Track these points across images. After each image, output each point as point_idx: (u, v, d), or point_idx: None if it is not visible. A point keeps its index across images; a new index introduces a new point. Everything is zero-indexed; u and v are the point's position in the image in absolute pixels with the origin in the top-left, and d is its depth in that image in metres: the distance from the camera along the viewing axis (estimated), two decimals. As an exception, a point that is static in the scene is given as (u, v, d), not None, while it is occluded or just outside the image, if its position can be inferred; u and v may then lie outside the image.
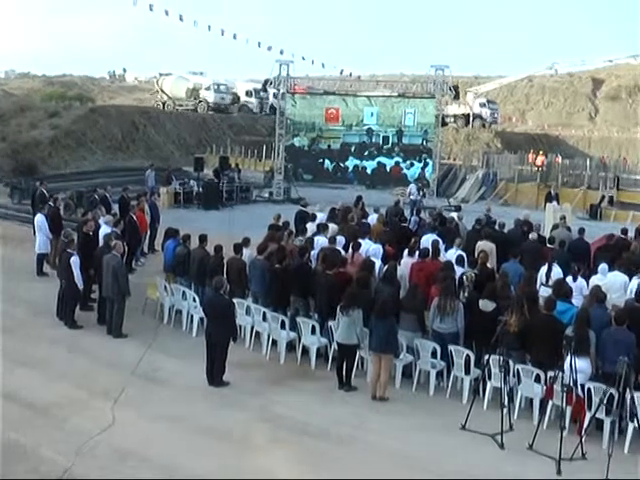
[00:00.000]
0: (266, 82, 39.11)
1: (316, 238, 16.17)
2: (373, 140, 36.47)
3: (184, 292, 14.94)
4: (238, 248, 14.86)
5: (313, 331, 13.05)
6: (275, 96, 44.17)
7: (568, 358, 10.04)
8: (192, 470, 9.27)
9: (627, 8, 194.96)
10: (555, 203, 26.31)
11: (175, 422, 10.59)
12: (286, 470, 9.45)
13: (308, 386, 12.29)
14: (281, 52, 42.08)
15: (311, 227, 17.53)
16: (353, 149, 36.69)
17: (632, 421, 10.12)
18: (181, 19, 43.07)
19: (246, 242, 15.32)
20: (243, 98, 60.77)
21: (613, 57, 60.01)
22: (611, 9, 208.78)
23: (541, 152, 46.92)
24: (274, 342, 13.52)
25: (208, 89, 57.76)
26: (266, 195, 36.58)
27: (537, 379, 11.04)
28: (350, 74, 55.04)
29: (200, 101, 57.38)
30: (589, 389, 10.52)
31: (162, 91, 59.01)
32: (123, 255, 15.40)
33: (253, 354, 13.65)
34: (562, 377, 10.06)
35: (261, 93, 58.54)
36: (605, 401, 10.09)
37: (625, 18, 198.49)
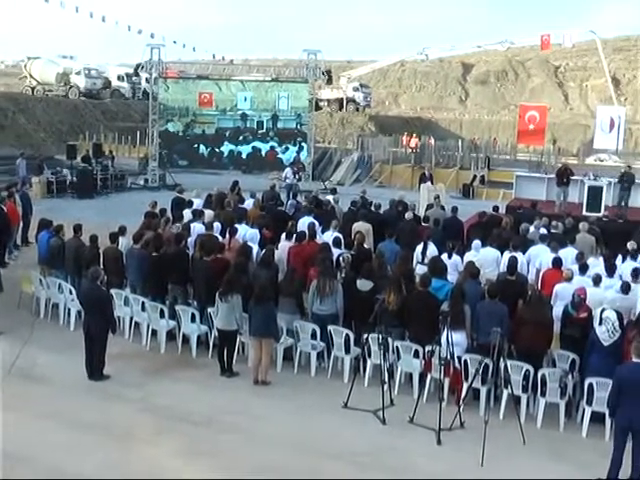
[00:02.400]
0: (138, 66, 38.19)
1: (193, 225, 15.96)
2: (248, 125, 36.30)
3: (60, 285, 14.47)
4: (114, 237, 14.54)
5: (193, 319, 12.91)
6: (147, 81, 43.34)
7: (444, 332, 10.32)
8: (79, 469, 9.00)
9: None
10: (429, 183, 26.82)
11: (57, 419, 10.25)
12: (172, 460, 9.32)
13: (190, 374, 12.14)
14: (152, 36, 41.44)
15: (187, 214, 17.29)
16: (228, 134, 36.41)
17: (506, 388, 10.52)
18: (47, 0, 41.50)
19: (122, 231, 15.01)
20: (115, 83, 59.39)
21: (482, 43, 61.53)
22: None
23: (414, 134, 47.81)
24: (154, 332, 13.28)
25: (79, 74, 56.02)
26: (141, 182, 35.82)
27: (416, 354, 11.28)
28: (222, 58, 54.63)
29: (71, 86, 55.64)
30: (465, 361, 10.85)
31: (31, 76, 56.75)
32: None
33: (133, 345, 13.38)
34: (439, 351, 10.34)
35: (133, 78, 57.49)
36: (481, 371, 10.41)
37: (494, 4, 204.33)
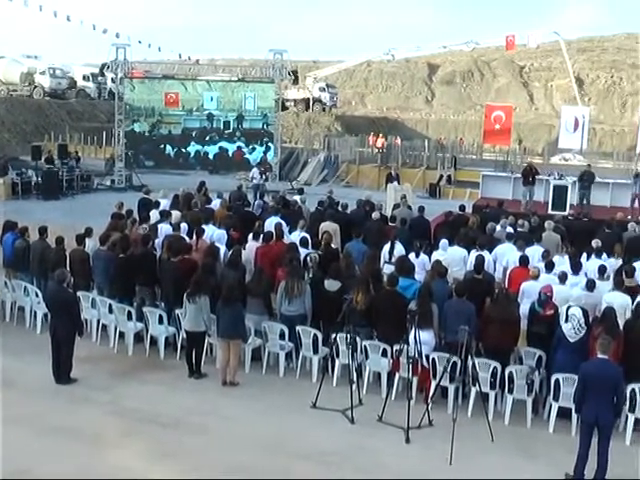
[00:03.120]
0: (103, 66, 38.04)
1: (160, 226, 15.88)
2: (214, 125, 36.19)
3: (26, 287, 14.31)
4: (80, 239, 14.40)
5: (160, 320, 12.83)
6: (113, 81, 42.89)
7: (412, 331, 10.35)
8: (48, 474, 8.88)
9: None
10: (396, 183, 26.90)
11: (24, 424, 10.11)
12: (140, 463, 9.25)
13: (158, 376, 12.07)
14: (117, 35, 41.08)
15: (154, 214, 17.18)
16: (194, 134, 36.28)
17: (474, 385, 10.60)
18: (10, -1, 41.07)
19: (88, 232, 14.84)
20: (80, 83, 58.94)
21: (447, 43, 61.73)
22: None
23: (381, 134, 48.01)
24: (121, 334, 13.18)
25: (43, 73, 55.34)
26: (108, 183, 35.57)
27: (384, 353, 11.32)
28: (188, 58, 54.38)
29: (35, 86, 54.97)
30: (433, 359, 10.90)
31: (-6, 76, 56.18)
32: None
33: (100, 348, 13.27)
34: (407, 350, 10.37)
35: (99, 78, 56.90)
36: (449, 369, 10.49)
37: (459, 5, 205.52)
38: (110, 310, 13.22)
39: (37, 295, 13.96)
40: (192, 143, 36.29)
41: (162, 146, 36.34)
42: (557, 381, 10.32)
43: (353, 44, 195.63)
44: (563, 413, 10.39)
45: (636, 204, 25.55)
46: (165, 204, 18.40)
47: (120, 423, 10.34)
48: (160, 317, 12.83)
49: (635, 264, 13.29)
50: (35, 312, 14.09)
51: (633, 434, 10.27)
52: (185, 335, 12.23)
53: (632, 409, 10.15)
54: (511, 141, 46.80)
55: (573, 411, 9.86)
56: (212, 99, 36.14)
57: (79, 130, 48.38)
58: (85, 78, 59.03)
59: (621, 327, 10.73)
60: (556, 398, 10.40)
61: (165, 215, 16.60)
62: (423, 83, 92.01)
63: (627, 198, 25.74)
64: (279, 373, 12.17)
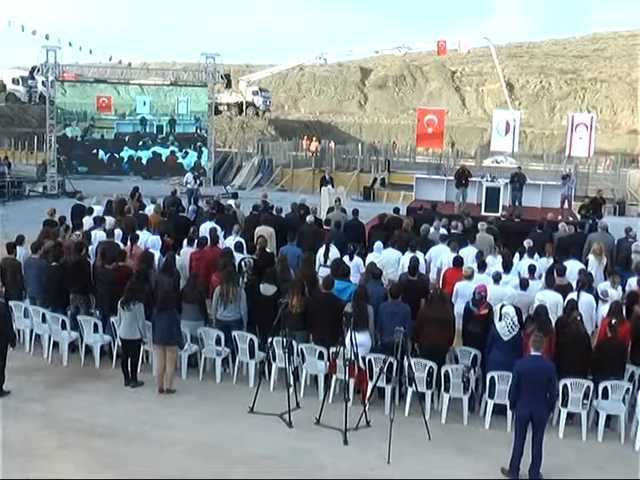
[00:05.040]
0: (33, 69, 37.32)
1: (93, 232, 15.65)
2: (147, 129, 35.99)
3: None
4: (11, 247, 14.04)
5: (95, 329, 12.63)
6: (44, 84, 42.24)
7: (348, 333, 10.38)
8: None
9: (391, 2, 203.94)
10: (330, 187, 26.92)
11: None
12: (77, 475, 9.07)
13: (94, 386, 11.87)
14: (47, 37, 40.04)
15: (88, 221, 16.94)
16: (127, 139, 36.05)
17: (411, 385, 10.68)
18: None
19: (20, 240, 14.51)
20: (10, 86, 57.80)
21: (379, 48, 62.17)
22: (376, 2, 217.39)
23: (315, 138, 48.17)
24: (55, 344, 12.92)
25: (-30, 77, 54.19)
26: (40, 189, 34.97)
27: (320, 356, 11.33)
28: (120, 61, 53.70)
29: (-38, 90, 53.81)
30: (370, 360, 10.95)
31: None
32: None
33: (34, 358, 13.01)
34: (344, 352, 10.40)
35: (29, 81, 55.81)
36: (385, 370, 10.55)
37: (390, 10, 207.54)
38: (43, 319, 12.96)
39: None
40: (125, 148, 36.02)
41: (95, 151, 35.99)
42: (492, 379, 10.47)
43: (285, 48, 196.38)
44: (498, 410, 10.55)
45: (565, 205, 26.15)
46: (99, 210, 18.15)
47: (56, 435, 10.12)
48: (95, 325, 12.63)
49: (566, 263, 13.58)
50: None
51: (566, 428, 10.49)
52: (120, 343, 12.06)
53: (564, 404, 10.37)
54: (444, 144, 47.31)
55: (508, 407, 10.02)
56: (145, 103, 35.90)
57: (9, 135, 47.45)
58: (15, 81, 57.86)
59: (553, 324, 10.95)
60: (491, 395, 10.55)
61: (99, 221, 16.35)
62: (356, 87, 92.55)
63: (557, 199, 26.34)
64: (216, 379, 12.09)
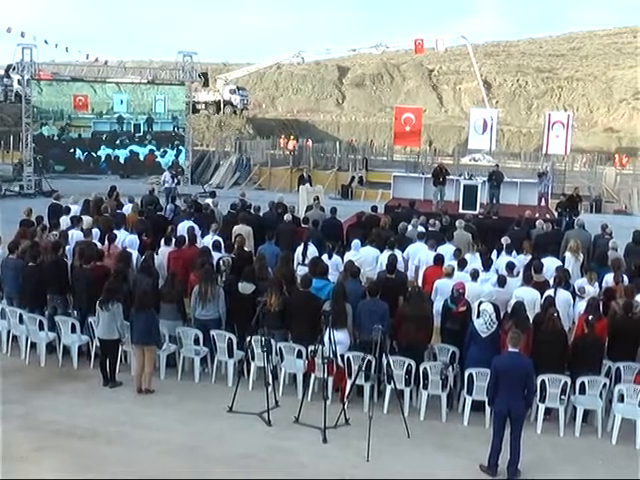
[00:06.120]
0: (9, 68, 36.95)
1: (71, 232, 15.54)
2: (124, 128, 35.74)
3: None
4: (-13, 248, 13.97)
5: (73, 329, 12.53)
6: (20, 83, 41.86)
7: (327, 331, 10.37)
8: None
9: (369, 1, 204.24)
10: (308, 185, 26.94)
11: None
12: (55, 477, 9.00)
13: (72, 387, 11.80)
14: (22, 35, 39.57)
15: (65, 221, 16.83)
16: (105, 138, 35.76)
17: (389, 383, 10.68)
18: None
19: (-5, 241, 14.44)
20: (-15, 85, 57.21)
21: (357, 47, 62.26)
22: (353, 2, 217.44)
23: (292, 137, 48.16)
24: (33, 345, 12.83)
25: (-56, 75, 53.65)
26: (16, 189, 34.63)
27: (299, 355, 11.33)
28: (96, 59, 53.33)
29: (-64, 89, 53.27)
30: (348, 358, 10.95)
31: None
32: None
33: (11, 360, 12.88)
34: (322, 350, 10.39)
35: (5, 79, 55.40)
36: (364, 368, 10.56)
37: (368, 9, 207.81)
38: (21, 320, 12.84)
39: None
40: (102, 147, 35.77)
41: (72, 150, 35.66)
42: (470, 375, 10.51)
43: (263, 46, 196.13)
44: (477, 406, 10.58)
45: (543, 202, 26.34)
46: (76, 210, 18.03)
47: (35, 437, 10.04)
48: (73, 326, 12.54)
49: (543, 260, 13.65)
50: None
51: (543, 423, 10.55)
52: (99, 343, 11.99)
53: (542, 399, 10.42)
54: (421, 142, 47.48)
55: (486, 404, 10.05)
56: (122, 102, 35.67)
57: (-16, 134, 47.02)
58: (-10, 80, 57.35)
59: (531, 321, 11.02)
60: (470, 392, 10.59)
61: (76, 221, 16.22)
62: (333, 86, 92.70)
63: (534, 197, 26.54)
64: (195, 378, 12.06)
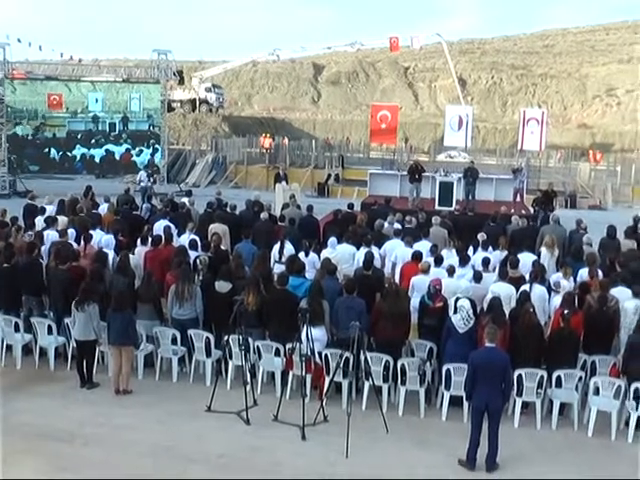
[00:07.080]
0: (-18, 67, 36.65)
1: (46, 232, 15.43)
2: (100, 127, 35.54)
3: None
4: (-39, 249, 13.80)
5: (49, 331, 12.44)
6: (-7, 82, 41.52)
7: (304, 329, 10.37)
8: None
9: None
10: (284, 183, 26.97)
11: None
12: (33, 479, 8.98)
13: (49, 389, 11.72)
14: (-6, 33, 39.34)
15: (40, 221, 16.71)
16: (80, 137, 35.53)
17: (367, 379, 10.69)
18: None
19: (-31, 242, 14.27)
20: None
21: (332, 44, 62.09)
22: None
23: (268, 135, 47.97)
24: (9, 347, 12.73)
25: None
26: (-10, 190, 34.36)
27: (277, 353, 11.32)
28: (71, 57, 52.92)
29: None
30: (326, 355, 10.97)
31: None
32: None
33: (-13, 362, 12.81)
34: (300, 348, 10.41)
35: (-23, 79, 54.75)
36: (341, 365, 10.58)
37: (342, 6, 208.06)
38: (-5, 322, 12.75)
39: None
40: (77, 146, 35.53)
41: (47, 150, 35.42)
42: (448, 371, 10.56)
43: (238, 44, 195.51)
44: (455, 401, 10.63)
45: (518, 198, 26.49)
46: (51, 210, 17.88)
47: (12, 440, 9.87)
48: (49, 327, 12.45)
49: (519, 255, 13.73)
50: None
51: (521, 417, 10.64)
52: (75, 344, 11.93)
53: (519, 393, 10.49)
54: (397, 140, 47.48)
55: (464, 399, 10.10)
56: (97, 100, 35.48)
57: (-44, 135, 46.45)
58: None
59: (507, 316, 11.08)
60: (447, 387, 10.64)
61: (51, 221, 16.09)
62: (309, 83, 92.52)
63: (510, 193, 26.68)
64: (172, 378, 12.03)
